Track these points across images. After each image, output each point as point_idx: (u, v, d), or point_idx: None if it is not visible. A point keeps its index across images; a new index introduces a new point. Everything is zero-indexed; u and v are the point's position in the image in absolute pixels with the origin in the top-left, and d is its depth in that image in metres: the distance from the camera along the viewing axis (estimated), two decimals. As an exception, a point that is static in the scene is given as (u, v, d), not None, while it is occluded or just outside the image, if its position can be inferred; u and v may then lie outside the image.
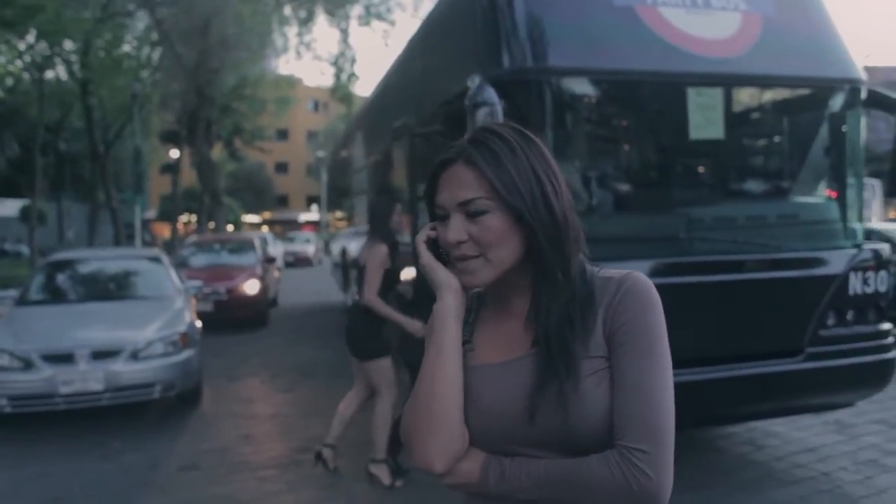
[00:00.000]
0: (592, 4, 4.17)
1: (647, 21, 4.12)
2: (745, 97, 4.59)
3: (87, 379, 5.44)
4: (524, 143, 1.14)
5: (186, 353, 5.99)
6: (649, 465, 1.02)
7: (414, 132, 5.30)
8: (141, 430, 5.75)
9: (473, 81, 3.86)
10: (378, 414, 4.40)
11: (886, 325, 4.37)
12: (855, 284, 4.20)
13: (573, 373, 1.07)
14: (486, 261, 1.12)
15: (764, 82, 4.36)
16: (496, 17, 4.19)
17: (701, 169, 4.62)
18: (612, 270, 1.16)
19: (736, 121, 4.48)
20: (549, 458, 1.09)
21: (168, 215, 37.54)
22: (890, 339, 4.36)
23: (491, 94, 3.73)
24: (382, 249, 4.32)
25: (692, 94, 4.11)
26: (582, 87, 4.26)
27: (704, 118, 4.13)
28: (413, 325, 4.23)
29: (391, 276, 4.38)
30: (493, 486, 1.11)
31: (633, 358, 1.07)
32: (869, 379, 4.31)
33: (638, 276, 1.13)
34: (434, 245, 1.20)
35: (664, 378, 1.07)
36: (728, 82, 4.26)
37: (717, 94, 4.17)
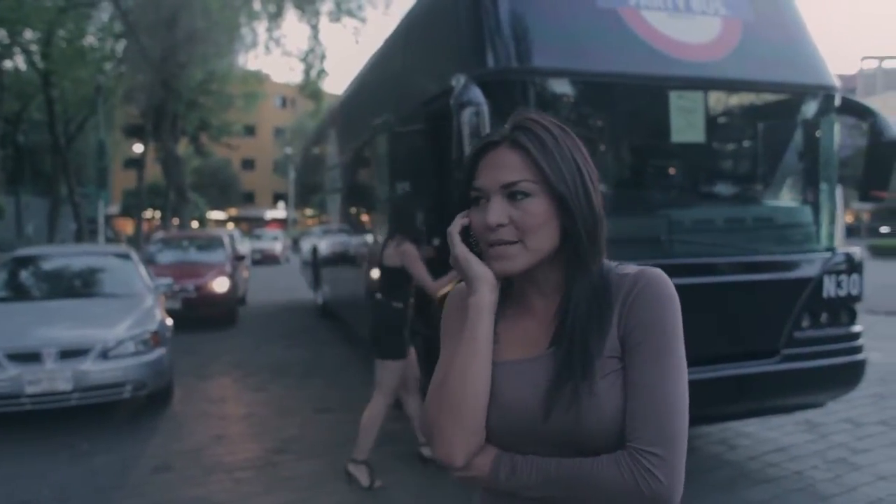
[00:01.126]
0: (576, 6, 4.19)
1: (631, 23, 4.16)
2: (724, 101, 4.65)
3: (54, 378, 5.28)
4: (565, 135, 1.15)
5: (158, 352, 5.86)
6: (661, 470, 1.02)
7: (395, 130, 5.27)
8: (111, 430, 5.61)
9: (458, 81, 3.85)
10: (369, 415, 4.37)
11: (858, 328, 4.48)
12: (829, 287, 4.29)
13: (589, 374, 1.06)
14: (524, 247, 1.11)
15: (743, 87, 4.43)
16: (480, 17, 4.18)
17: (681, 172, 4.67)
18: (630, 266, 1.15)
19: (715, 125, 4.53)
20: (560, 457, 1.09)
21: (131, 211, 36.84)
22: (861, 341, 4.46)
23: (477, 93, 3.72)
24: (410, 248, 4.36)
25: (674, 97, 4.16)
26: (565, 88, 4.28)
27: (686, 122, 4.18)
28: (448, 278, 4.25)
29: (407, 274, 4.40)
30: (504, 481, 1.11)
31: (647, 359, 1.07)
32: (841, 379, 4.41)
33: (654, 272, 1.12)
34: (465, 236, 1.17)
35: (678, 380, 1.07)
36: (709, 86, 4.31)
37: (698, 97, 4.22)
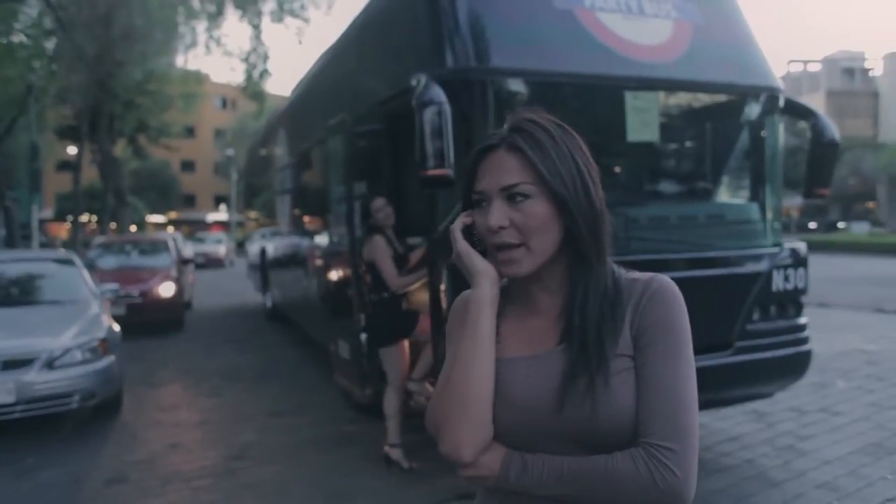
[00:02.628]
0: (533, 6, 4.24)
1: (586, 25, 4.23)
2: (676, 102, 4.78)
3: (-5, 391, 5.04)
4: (563, 134, 1.16)
5: (106, 360, 5.65)
6: (675, 463, 1.03)
7: (351, 130, 5.23)
8: (58, 443, 5.38)
9: (419, 80, 3.84)
10: (386, 404, 4.59)
11: (804, 319, 4.67)
12: (778, 281, 4.46)
13: (603, 366, 1.08)
14: (528, 250, 1.13)
15: (695, 88, 4.56)
16: (439, 17, 4.19)
17: (636, 171, 4.78)
18: (638, 273, 1.19)
19: (667, 125, 4.65)
20: (572, 455, 1.10)
21: (65, 215, 35.47)
22: (807, 333, 4.65)
23: (438, 92, 3.72)
24: (378, 240, 4.56)
25: (629, 97, 4.25)
26: (524, 87, 4.32)
27: (641, 121, 4.28)
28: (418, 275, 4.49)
29: (400, 259, 4.63)
30: (514, 479, 1.11)
31: (659, 358, 1.09)
32: (790, 370, 4.59)
33: (663, 278, 1.16)
34: (468, 234, 1.19)
35: (689, 378, 1.10)
36: (662, 87, 4.43)
37: (653, 98, 4.33)
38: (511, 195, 1.12)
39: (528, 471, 1.10)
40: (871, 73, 76.86)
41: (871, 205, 61.29)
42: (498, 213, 1.12)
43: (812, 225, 51.66)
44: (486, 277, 1.16)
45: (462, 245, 1.18)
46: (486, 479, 1.14)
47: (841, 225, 51.73)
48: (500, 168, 1.13)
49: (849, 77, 75.78)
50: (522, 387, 1.13)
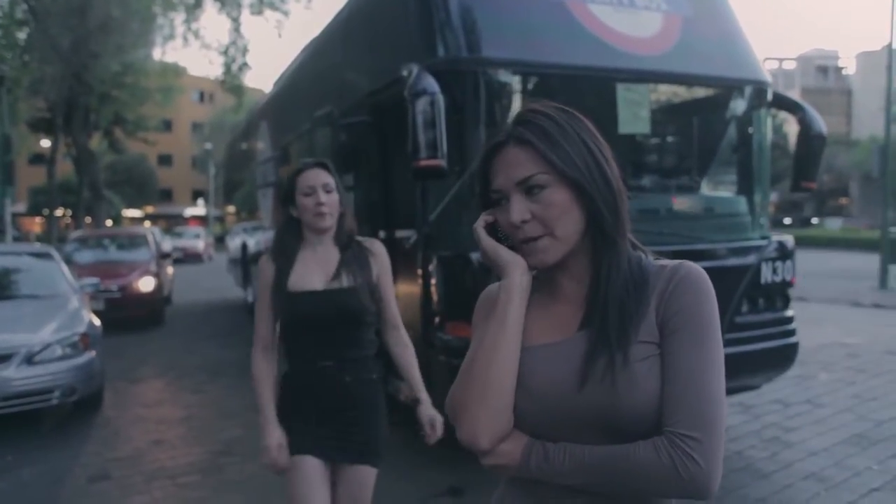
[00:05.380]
0: None
1: (578, 16, 4.22)
2: (666, 94, 4.78)
3: (-28, 387, 4.92)
4: (569, 119, 1.15)
5: (87, 356, 5.54)
6: (700, 454, 1.01)
7: (338, 122, 5.17)
8: (38, 441, 5.27)
9: (411, 71, 3.80)
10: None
11: (791, 312, 4.70)
12: (766, 274, 4.49)
13: (624, 345, 1.06)
14: (554, 238, 1.11)
15: (685, 80, 4.57)
16: (430, 7, 4.15)
17: (627, 163, 4.77)
18: (666, 260, 1.17)
19: (658, 117, 4.65)
20: (593, 444, 1.08)
21: (39, 209, 34.88)
22: (794, 325, 4.69)
23: (431, 82, 3.69)
24: None
25: (621, 89, 4.24)
26: (516, 78, 4.30)
27: (632, 114, 4.28)
28: None
29: None
30: (535, 468, 1.10)
31: (686, 345, 1.07)
32: (777, 362, 4.62)
33: (691, 265, 1.14)
34: (492, 231, 1.19)
35: (717, 367, 1.08)
36: (653, 79, 4.43)
37: (644, 90, 4.33)
38: (528, 188, 1.11)
39: (549, 459, 1.09)
40: (844, 72, 78.11)
41: (844, 201, 62.34)
42: (518, 208, 1.11)
43: (787, 220, 52.49)
44: (515, 267, 1.15)
45: (487, 241, 1.18)
46: (507, 467, 1.12)
47: (814, 221, 52.62)
48: (512, 163, 1.12)
49: (823, 75, 76.98)
50: (543, 374, 1.11)
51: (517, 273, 1.15)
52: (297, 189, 2.24)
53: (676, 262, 1.15)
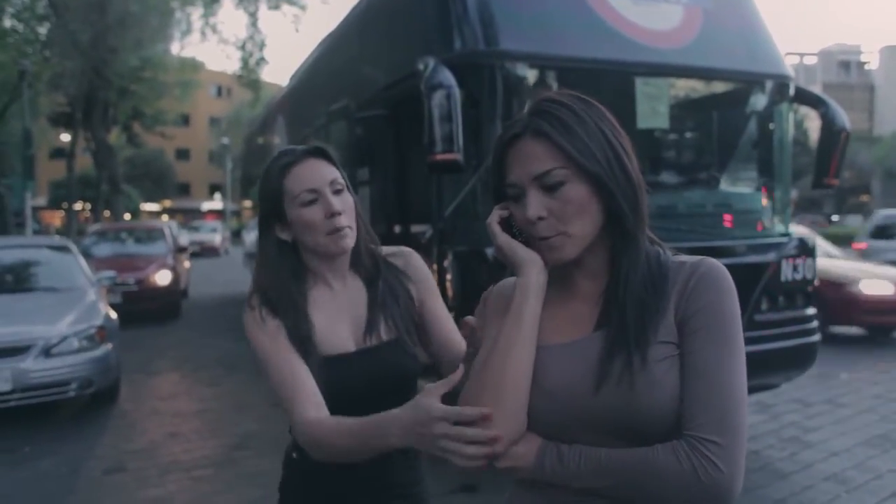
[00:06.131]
0: None
1: (597, 8, 4.16)
2: (684, 88, 4.71)
3: (-9, 379, 4.97)
4: (587, 108, 1.09)
5: (104, 348, 5.58)
6: (721, 458, 0.97)
7: (355, 115, 5.15)
8: (54, 432, 5.31)
9: (427, 64, 3.77)
10: None
11: (812, 310, 4.62)
12: (786, 271, 4.41)
13: (642, 345, 1.02)
14: (569, 236, 1.07)
15: (705, 75, 4.49)
16: (447, 0, 4.11)
17: (646, 158, 4.71)
18: (686, 256, 1.12)
19: (677, 112, 4.59)
20: (608, 446, 1.04)
21: (59, 203, 35.25)
22: (815, 323, 4.61)
23: (448, 75, 3.65)
24: None
25: (640, 83, 4.18)
26: (533, 72, 4.25)
27: (651, 108, 4.21)
28: None
29: None
30: (549, 471, 1.06)
31: (707, 345, 1.02)
32: (797, 361, 4.54)
33: (713, 262, 1.09)
34: (507, 226, 1.14)
35: (739, 367, 1.03)
36: (672, 73, 4.36)
37: (663, 84, 4.26)
38: (545, 184, 1.06)
39: (564, 462, 1.05)
40: (867, 67, 77.03)
41: (865, 198, 61.53)
42: (535, 204, 1.06)
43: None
44: (531, 265, 1.11)
45: (502, 238, 1.13)
46: (521, 469, 1.08)
47: (835, 218, 52.00)
48: (529, 156, 1.07)
49: (845, 70, 75.97)
50: (558, 374, 1.07)
51: (534, 272, 1.10)
52: (287, 196, 1.44)
53: (697, 258, 1.10)
